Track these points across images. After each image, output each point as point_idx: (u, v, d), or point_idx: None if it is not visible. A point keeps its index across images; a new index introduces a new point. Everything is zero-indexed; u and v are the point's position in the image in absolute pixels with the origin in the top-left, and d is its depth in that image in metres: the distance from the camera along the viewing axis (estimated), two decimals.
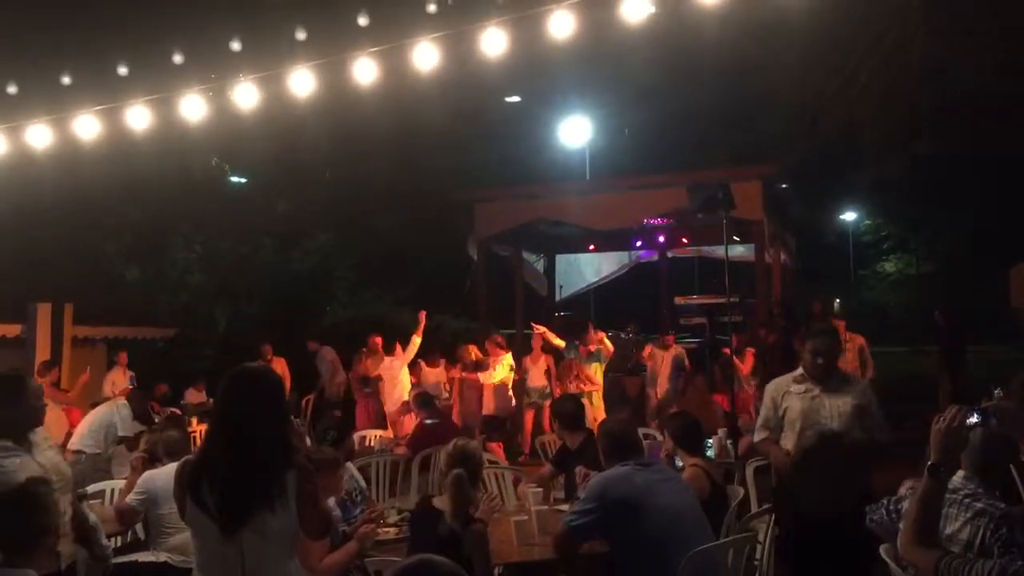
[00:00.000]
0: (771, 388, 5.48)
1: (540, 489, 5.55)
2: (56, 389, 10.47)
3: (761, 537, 4.97)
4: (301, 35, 5.52)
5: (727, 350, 10.79)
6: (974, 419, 2.80)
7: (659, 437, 7.88)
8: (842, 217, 35.28)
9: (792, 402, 5.26)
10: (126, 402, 8.77)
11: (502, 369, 11.63)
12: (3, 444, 3.99)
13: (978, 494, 3.12)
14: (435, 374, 12.27)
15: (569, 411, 6.13)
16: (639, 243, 16.11)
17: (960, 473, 3.15)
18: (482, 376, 11.58)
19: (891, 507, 3.82)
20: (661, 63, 13.18)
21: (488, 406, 11.64)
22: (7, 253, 13.26)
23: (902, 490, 4.15)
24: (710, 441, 7.13)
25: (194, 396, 13.43)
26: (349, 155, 17.65)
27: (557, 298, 16.97)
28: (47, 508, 3.57)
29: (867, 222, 34.76)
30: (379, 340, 12.52)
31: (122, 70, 5.79)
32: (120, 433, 8.43)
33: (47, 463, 4.11)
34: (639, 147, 25.19)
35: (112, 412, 8.58)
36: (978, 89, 12.92)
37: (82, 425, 8.59)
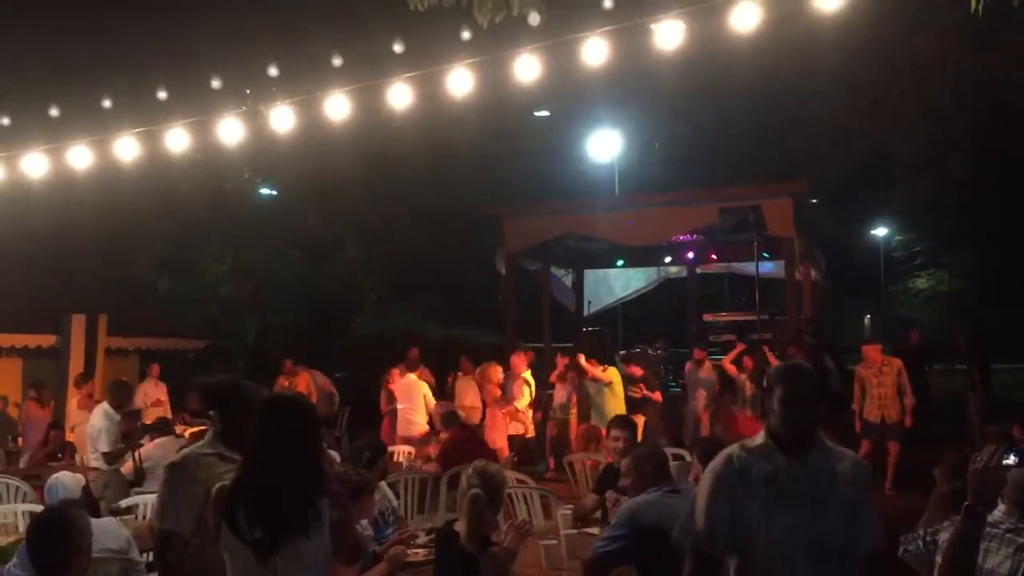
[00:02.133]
0: None
1: (569, 511, 5.54)
2: (92, 401, 10.59)
3: None
4: (337, 61, 5.60)
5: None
6: (1011, 460, 2.78)
7: (687, 458, 7.85)
8: (873, 232, 34.95)
9: None
10: (113, 412, 7.97)
11: (528, 392, 11.52)
12: (232, 456, 3.70)
13: (1019, 528, 3.09)
14: (471, 397, 12.15)
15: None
16: (668, 259, 16.08)
17: (1001, 507, 3.13)
18: (517, 404, 11.44)
19: (927, 538, 3.79)
20: (692, 78, 13.15)
21: (513, 426, 11.54)
22: (44, 265, 13.49)
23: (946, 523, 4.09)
24: None
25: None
26: (379, 170, 17.78)
27: (585, 313, 16.95)
28: (81, 530, 3.62)
29: (898, 237, 34.42)
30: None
31: (161, 94, 5.91)
32: (101, 449, 7.77)
33: None
34: (669, 161, 25.14)
35: (97, 424, 7.95)
36: (1014, 107, 12.78)
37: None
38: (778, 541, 2.95)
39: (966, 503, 2.75)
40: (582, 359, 11.56)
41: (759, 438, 3.15)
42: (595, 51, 5.05)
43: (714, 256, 15.90)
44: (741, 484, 3.02)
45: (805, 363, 3.43)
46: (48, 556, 3.50)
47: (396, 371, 12.21)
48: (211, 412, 4.08)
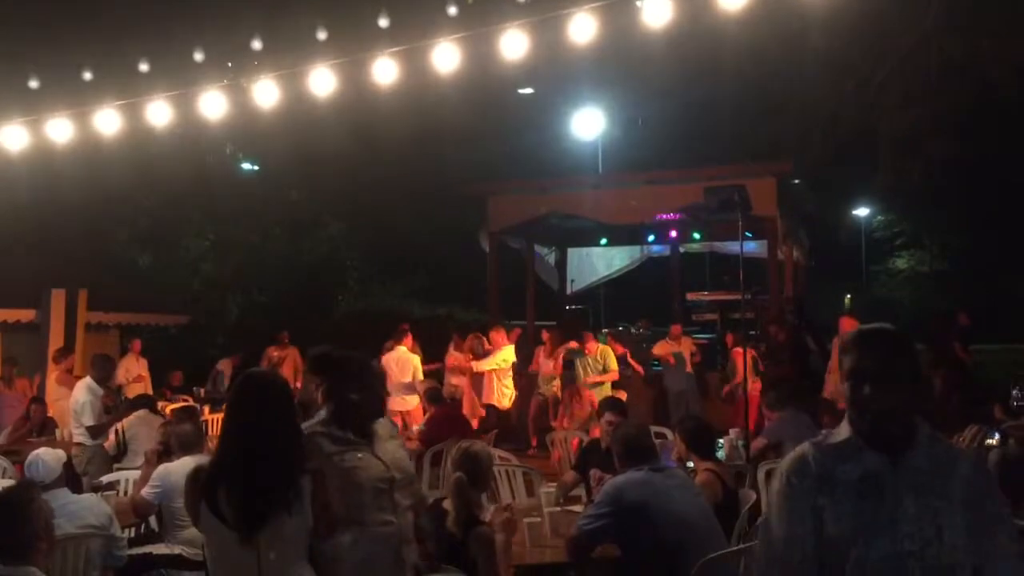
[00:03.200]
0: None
1: (553, 489, 5.56)
2: (71, 376, 10.52)
3: None
4: (322, 35, 5.53)
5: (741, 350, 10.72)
6: (994, 439, 2.80)
7: (669, 437, 7.90)
8: (855, 212, 35.10)
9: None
10: (96, 386, 8.02)
11: (499, 357, 11.43)
12: (344, 436, 3.53)
13: None
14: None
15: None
16: (651, 238, 16.10)
17: None
18: (475, 364, 11.45)
19: None
20: (676, 57, 13.09)
21: (489, 396, 11.57)
22: (23, 239, 13.35)
23: None
24: (721, 442, 7.12)
25: (225, 366, 13.98)
26: (362, 146, 17.66)
27: (569, 292, 16.97)
28: (37, 512, 3.58)
29: (880, 218, 34.58)
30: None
31: (143, 66, 5.83)
32: (86, 422, 7.82)
33: (388, 457, 3.61)
34: (652, 139, 25.11)
35: (81, 398, 7.94)
36: (999, 89, 12.83)
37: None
38: (879, 568, 2.24)
39: None
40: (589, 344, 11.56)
41: (841, 431, 2.41)
42: (582, 27, 5.02)
43: (697, 235, 15.93)
44: (824, 494, 2.31)
45: (888, 326, 2.44)
46: (5, 540, 3.46)
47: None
48: (315, 386, 3.71)
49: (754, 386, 10.26)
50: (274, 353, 13.65)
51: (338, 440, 3.51)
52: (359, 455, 3.53)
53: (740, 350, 10.67)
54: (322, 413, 3.60)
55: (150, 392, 11.37)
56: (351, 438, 3.53)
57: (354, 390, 3.56)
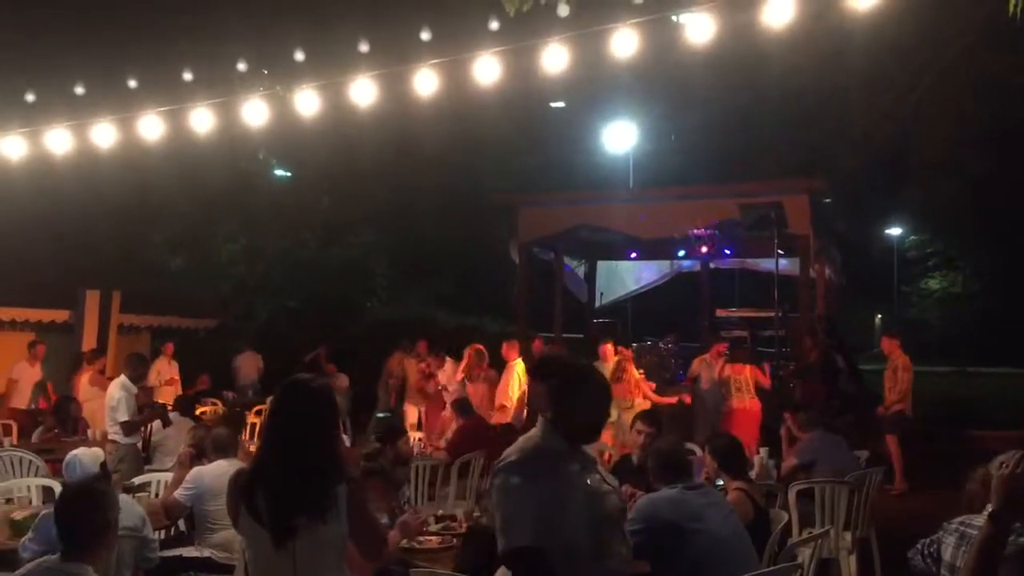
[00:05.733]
0: None
1: None
2: (103, 377, 10.64)
3: (805, 564, 4.91)
4: (364, 47, 5.59)
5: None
6: None
7: (698, 452, 7.84)
8: (887, 231, 34.78)
9: None
10: (131, 384, 8.01)
11: (516, 383, 10.58)
12: (582, 456, 3.10)
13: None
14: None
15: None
16: (681, 252, 16.04)
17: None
18: (507, 400, 10.54)
19: (927, 551, 3.76)
20: (711, 71, 13.06)
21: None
22: (61, 241, 13.53)
23: (941, 533, 4.07)
24: (751, 460, 7.06)
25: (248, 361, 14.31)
26: (395, 155, 17.77)
27: (597, 304, 16.94)
28: (111, 505, 3.62)
29: (912, 238, 34.24)
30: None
31: (186, 75, 5.91)
32: (120, 419, 7.80)
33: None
34: (685, 152, 25.00)
35: (116, 395, 7.93)
36: None
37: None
38: None
39: (991, 510, 2.71)
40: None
41: None
42: (623, 42, 5.02)
43: (728, 251, 15.84)
44: None
45: None
46: (78, 529, 3.48)
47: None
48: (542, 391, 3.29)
49: (752, 403, 10.02)
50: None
51: (565, 457, 3.09)
52: (597, 476, 3.14)
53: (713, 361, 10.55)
54: (541, 424, 3.21)
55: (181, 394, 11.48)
56: (586, 455, 3.10)
57: (577, 399, 3.15)
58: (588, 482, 3.07)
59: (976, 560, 2.72)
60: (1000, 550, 2.74)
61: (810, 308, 12.46)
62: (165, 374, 12.70)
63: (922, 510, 4.18)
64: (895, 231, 35.08)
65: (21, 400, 11.18)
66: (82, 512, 3.50)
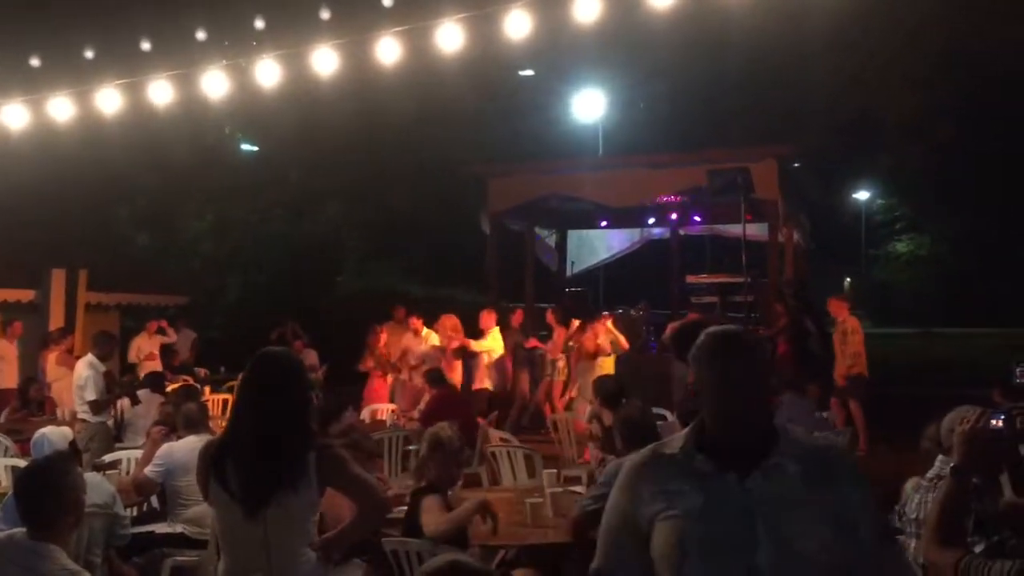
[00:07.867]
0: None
1: (554, 471, 5.58)
2: (70, 356, 10.52)
3: None
4: (325, 14, 5.50)
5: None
6: (998, 422, 2.79)
7: (669, 417, 7.92)
8: (855, 196, 35.06)
9: None
10: (98, 363, 8.00)
11: (492, 339, 11.00)
12: None
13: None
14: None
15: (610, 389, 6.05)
16: (651, 220, 16.07)
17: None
18: (473, 344, 10.91)
19: (900, 511, 3.85)
20: (677, 38, 13.04)
21: (482, 380, 11.14)
22: (24, 218, 13.30)
23: (907, 486, 4.15)
24: None
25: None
26: (362, 127, 17.60)
27: (568, 274, 16.96)
28: (72, 485, 3.57)
29: (880, 202, 34.55)
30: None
31: (144, 45, 5.79)
32: (88, 397, 7.77)
33: None
34: (653, 122, 25.02)
35: (83, 373, 7.91)
36: (1002, 73, 12.78)
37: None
38: None
39: (952, 464, 2.76)
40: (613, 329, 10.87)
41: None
42: (585, 7, 4.99)
43: (697, 218, 15.89)
44: None
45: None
46: (36, 510, 3.41)
47: (382, 329, 12.13)
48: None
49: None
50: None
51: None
52: None
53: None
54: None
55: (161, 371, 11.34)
56: None
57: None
58: None
59: (939, 513, 2.77)
60: (962, 503, 2.79)
61: (779, 272, 12.53)
62: (145, 350, 12.58)
63: (886, 470, 4.26)
64: (863, 195, 35.37)
65: (9, 379, 10.99)
66: (39, 492, 3.43)
